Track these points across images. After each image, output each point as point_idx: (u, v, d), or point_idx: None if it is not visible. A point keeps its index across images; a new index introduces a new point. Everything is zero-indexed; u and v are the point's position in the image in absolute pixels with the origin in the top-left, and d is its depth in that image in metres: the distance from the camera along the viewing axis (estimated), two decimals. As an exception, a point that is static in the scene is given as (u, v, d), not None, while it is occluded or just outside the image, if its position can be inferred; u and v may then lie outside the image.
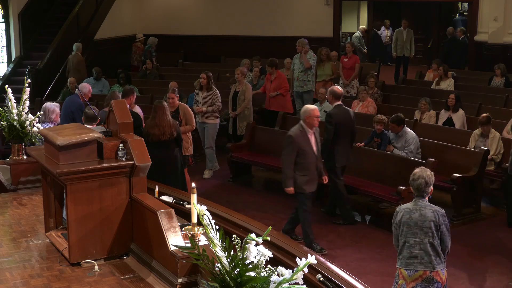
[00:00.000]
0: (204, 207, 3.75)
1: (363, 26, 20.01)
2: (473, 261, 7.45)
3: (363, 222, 9.11)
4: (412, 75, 15.74)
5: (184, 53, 17.66)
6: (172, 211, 5.11)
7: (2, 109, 7.72)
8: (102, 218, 5.43)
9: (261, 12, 17.71)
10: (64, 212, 5.81)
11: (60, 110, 8.44)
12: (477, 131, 9.51)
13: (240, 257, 3.52)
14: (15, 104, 7.71)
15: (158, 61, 16.35)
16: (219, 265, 3.61)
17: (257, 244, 3.54)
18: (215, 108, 10.22)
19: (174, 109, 8.98)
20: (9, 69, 15.04)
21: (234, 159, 10.47)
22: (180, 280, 4.72)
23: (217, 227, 3.73)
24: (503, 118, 10.28)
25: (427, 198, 5.39)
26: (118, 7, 17.60)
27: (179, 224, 5.06)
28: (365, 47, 18.43)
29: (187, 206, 6.10)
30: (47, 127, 7.47)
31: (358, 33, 18.69)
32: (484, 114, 9.51)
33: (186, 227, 4.73)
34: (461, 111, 10.62)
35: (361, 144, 9.35)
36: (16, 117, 7.61)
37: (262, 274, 3.49)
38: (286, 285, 3.44)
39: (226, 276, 3.56)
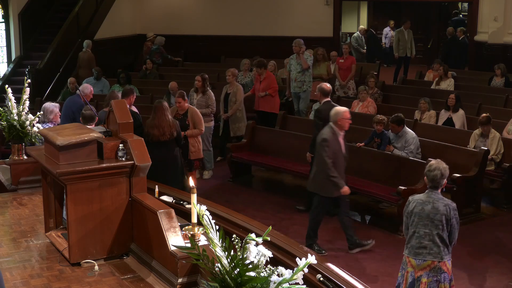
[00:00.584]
0: (204, 207, 3.75)
1: (362, 26, 20.00)
2: (473, 261, 7.45)
3: (363, 222, 9.12)
4: (412, 75, 15.74)
5: (184, 53, 17.67)
6: (172, 211, 5.11)
7: (2, 109, 7.72)
8: (102, 218, 5.43)
9: (261, 12, 17.71)
10: (64, 212, 5.81)
11: (60, 110, 8.43)
12: (477, 131, 9.51)
13: (240, 257, 3.52)
14: (15, 104, 7.70)
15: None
16: (219, 265, 3.61)
17: (257, 244, 3.54)
18: (208, 111, 10.19)
19: (183, 112, 8.95)
20: (9, 69, 15.05)
21: (234, 159, 10.47)
22: (180, 280, 4.72)
23: (217, 227, 3.73)
24: (503, 118, 10.28)
25: (439, 191, 5.49)
26: (118, 7, 17.60)
27: (179, 224, 5.06)
28: (365, 47, 18.41)
29: (187, 206, 6.10)
30: (47, 127, 7.47)
31: (357, 34, 18.68)
32: (484, 114, 9.51)
33: (186, 227, 4.73)
34: (461, 111, 10.62)
35: (361, 144, 9.36)
36: (16, 117, 7.61)
37: (262, 274, 3.49)
38: (286, 285, 3.44)
39: (226, 276, 3.56)
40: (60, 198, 5.93)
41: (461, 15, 21.48)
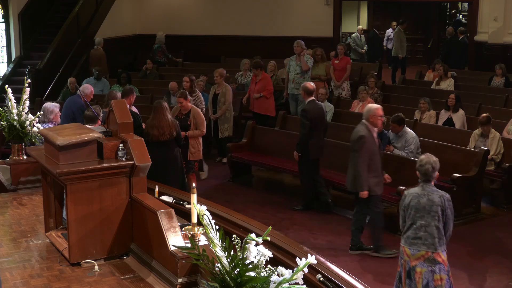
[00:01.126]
0: (204, 207, 3.75)
1: (360, 26, 19.99)
2: (473, 261, 7.45)
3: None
4: (412, 75, 15.75)
5: (184, 53, 17.67)
6: (172, 211, 5.11)
7: (2, 109, 7.72)
8: (102, 218, 5.43)
9: (261, 12, 17.71)
10: (64, 212, 5.81)
11: (61, 110, 8.43)
12: (477, 131, 9.51)
13: (240, 257, 3.52)
14: (15, 104, 7.70)
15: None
16: (219, 265, 3.62)
17: (257, 244, 3.54)
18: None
19: (186, 112, 8.90)
20: (9, 69, 15.04)
21: (234, 159, 10.47)
22: (180, 280, 4.72)
23: (217, 227, 3.73)
24: (503, 118, 10.28)
25: (433, 183, 5.68)
26: (118, 7, 17.60)
27: (179, 224, 5.06)
28: (364, 48, 18.40)
29: (187, 206, 6.10)
30: (47, 127, 7.47)
31: (355, 34, 18.67)
32: (484, 114, 9.51)
33: (186, 227, 4.73)
34: (461, 111, 10.62)
35: (361, 144, 9.34)
36: (16, 117, 7.61)
37: (262, 274, 3.49)
38: (286, 285, 3.44)
39: (226, 276, 3.56)
40: (60, 198, 5.93)
41: (460, 15, 21.49)
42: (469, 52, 16.06)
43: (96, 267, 5.28)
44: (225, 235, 3.67)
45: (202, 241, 4.60)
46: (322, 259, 4.79)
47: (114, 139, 5.60)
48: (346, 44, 19.26)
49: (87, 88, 9.34)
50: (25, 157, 7.60)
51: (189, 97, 9.04)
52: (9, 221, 6.44)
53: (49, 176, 5.85)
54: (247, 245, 3.51)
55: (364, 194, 7.39)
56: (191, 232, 4.62)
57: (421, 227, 5.58)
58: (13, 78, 14.42)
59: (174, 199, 6.38)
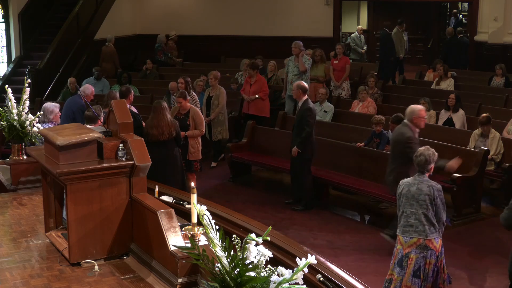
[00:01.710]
0: (204, 207, 3.75)
1: (360, 26, 19.99)
2: (473, 261, 7.45)
3: (363, 222, 9.12)
4: (412, 75, 15.75)
5: (184, 53, 17.67)
6: (172, 211, 5.11)
7: (2, 109, 7.72)
8: (102, 218, 5.43)
9: (261, 12, 17.71)
10: (64, 212, 5.81)
11: (61, 110, 8.43)
12: (477, 131, 9.51)
13: (240, 257, 3.52)
14: (15, 104, 7.70)
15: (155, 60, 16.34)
16: (219, 265, 3.61)
17: (257, 244, 3.54)
18: None
19: (185, 112, 8.89)
20: (9, 69, 15.05)
21: (234, 159, 10.47)
22: (180, 280, 4.72)
23: (217, 227, 3.73)
24: (503, 118, 10.28)
25: (427, 175, 5.90)
26: (118, 7, 17.60)
27: (179, 224, 5.06)
28: (363, 47, 18.38)
29: (187, 206, 6.10)
30: (47, 127, 7.47)
31: (355, 34, 18.66)
32: (484, 114, 9.51)
33: (186, 227, 4.73)
34: (461, 111, 10.63)
35: (361, 144, 9.36)
36: (16, 117, 7.60)
37: (262, 274, 3.49)
38: (286, 285, 3.44)
39: (226, 276, 3.56)
40: (60, 198, 5.93)
41: (460, 15, 21.48)
42: (469, 52, 16.06)
43: (96, 267, 5.28)
44: (225, 235, 3.67)
45: (202, 241, 4.59)
46: (322, 259, 4.79)
47: (114, 139, 5.60)
48: (346, 44, 19.28)
49: (88, 88, 9.33)
50: (25, 157, 7.60)
51: (188, 97, 9.04)
52: (9, 221, 6.44)
53: (49, 176, 5.85)
54: (247, 245, 3.51)
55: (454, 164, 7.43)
56: (191, 232, 4.62)
57: (411, 214, 5.83)
58: (13, 78, 14.43)
59: (174, 199, 6.38)
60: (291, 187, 9.45)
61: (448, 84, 12.82)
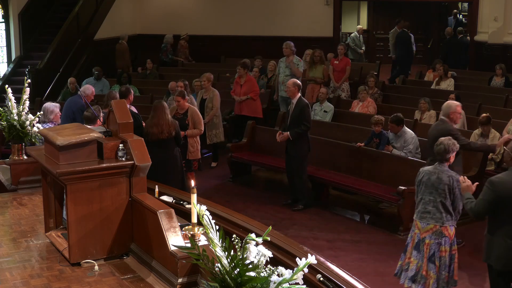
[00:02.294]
0: (204, 207, 3.75)
1: (360, 26, 19.98)
2: (473, 261, 7.44)
3: (363, 222, 9.12)
4: (412, 75, 15.74)
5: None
6: (172, 211, 5.11)
7: (2, 109, 7.72)
8: (102, 218, 5.43)
9: (261, 12, 17.70)
10: (64, 212, 5.81)
11: (61, 110, 8.43)
12: (477, 131, 9.50)
13: (240, 257, 3.52)
14: (15, 104, 7.70)
15: (157, 60, 16.34)
16: (219, 265, 3.61)
17: (257, 244, 3.54)
18: None
19: (183, 112, 8.86)
20: (9, 69, 15.05)
21: (234, 159, 10.47)
22: (180, 280, 4.72)
23: (217, 227, 3.73)
24: (503, 118, 10.27)
25: (447, 164, 6.12)
26: (118, 7, 17.60)
27: (179, 224, 5.06)
28: (362, 48, 18.37)
29: (187, 206, 6.10)
30: (47, 127, 7.47)
31: (354, 34, 18.65)
32: (484, 114, 9.51)
33: (186, 227, 4.73)
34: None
35: (361, 144, 9.36)
36: (16, 117, 7.60)
37: (262, 274, 3.49)
38: (286, 285, 3.44)
39: (226, 276, 3.56)
40: (60, 198, 5.93)
41: (460, 16, 21.49)
42: (469, 52, 16.06)
43: (96, 267, 5.28)
44: (225, 235, 3.67)
45: (202, 241, 4.59)
46: (322, 259, 4.79)
47: (114, 139, 5.60)
48: (346, 44, 19.27)
49: (88, 88, 9.32)
50: (25, 157, 7.60)
51: (186, 97, 9.03)
52: (9, 221, 6.44)
53: (49, 176, 5.85)
54: (247, 245, 3.51)
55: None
56: (191, 232, 4.62)
57: (429, 202, 6.07)
58: (13, 78, 14.43)
59: (174, 199, 6.38)
60: (289, 187, 9.44)
61: (448, 84, 12.82)
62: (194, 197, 4.37)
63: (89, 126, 6.31)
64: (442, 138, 6.19)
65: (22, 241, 5.89)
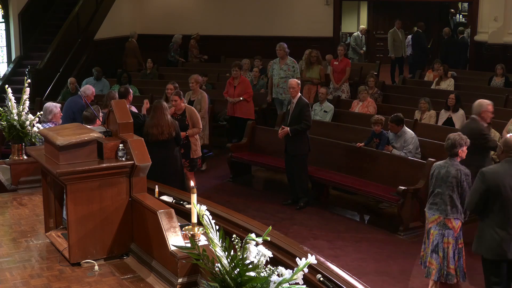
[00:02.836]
0: (204, 207, 3.75)
1: (363, 26, 20.00)
2: (473, 261, 7.41)
3: (363, 222, 9.12)
4: (407, 74, 15.74)
5: (185, 53, 17.67)
6: (172, 211, 5.11)
7: (2, 109, 7.72)
8: (102, 218, 5.43)
9: (261, 12, 17.71)
10: (64, 212, 5.81)
11: (61, 110, 8.42)
12: (477, 131, 9.49)
13: (240, 257, 3.52)
14: (15, 104, 7.71)
15: (157, 60, 16.35)
16: (219, 265, 3.61)
17: (257, 244, 3.54)
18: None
19: (181, 112, 8.81)
20: (9, 69, 15.04)
21: (234, 159, 10.47)
22: (180, 280, 4.72)
23: (217, 227, 3.73)
24: (503, 118, 10.26)
25: (458, 159, 6.32)
26: (118, 7, 17.60)
27: (179, 224, 5.06)
28: (363, 48, 18.38)
29: (187, 206, 6.10)
30: (47, 127, 7.47)
31: (357, 33, 18.66)
32: (484, 114, 9.50)
33: (186, 227, 4.73)
34: (461, 111, 10.62)
35: (361, 144, 9.36)
36: (16, 117, 7.61)
37: (262, 274, 3.49)
38: (286, 285, 3.44)
39: (226, 276, 3.56)
40: (60, 198, 5.93)
41: (460, 15, 21.50)
42: (469, 52, 16.05)
43: (96, 267, 5.28)
44: (225, 235, 3.67)
45: (202, 241, 4.59)
46: (322, 259, 4.79)
47: (114, 139, 5.60)
48: (346, 44, 19.27)
49: (89, 89, 9.32)
50: (25, 157, 7.60)
51: (183, 97, 8.99)
52: (9, 221, 6.44)
53: (49, 176, 5.85)
54: (247, 245, 3.51)
55: None
56: (191, 232, 4.62)
57: (438, 194, 6.32)
58: (13, 78, 14.43)
59: (174, 199, 6.38)
60: (289, 187, 9.44)
61: (448, 84, 12.83)
62: (194, 197, 4.37)
63: (88, 126, 6.32)
64: (451, 135, 6.39)
65: (22, 241, 5.89)
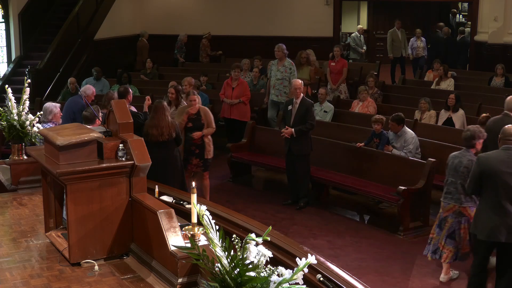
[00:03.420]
0: (204, 207, 3.75)
1: (360, 26, 20.02)
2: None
3: (363, 222, 9.12)
4: (412, 75, 15.73)
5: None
6: (172, 211, 5.11)
7: (2, 109, 7.72)
8: (102, 218, 5.43)
9: (261, 12, 17.71)
10: (64, 212, 5.81)
11: (61, 110, 8.42)
12: (477, 131, 9.49)
13: (240, 257, 3.52)
14: (15, 104, 7.70)
15: (157, 60, 16.36)
16: (219, 265, 3.61)
17: (257, 244, 3.54)
18: None
19: (195, 112, 8.61)
20: (9, 69, 15.04)
21: (234, 159, 10.47)
22: (180, 280, 4.72)
23: (217, 227, 3.73)
24: (503, 118, 10.26)
25: (473, 151, 6.50)
26: (118, 7, 17.60)
27: (179, 224, 5.06)
28: (363, 47, 18.39)
29: (187, 206, 6.10)
30: (47, 127, 7.47)
31: (355, 33, 18.67)
32: (484, 114, 9.51)
33: (186, 227, 4.73)
34: (461, 111, 10.62)
35: (361, 144, 9.36)
36: (16, 117, 7.60)
37: (262, 274, 3.49)
38: (286, 285, 3.44)
39: (226, 276, 3.56)
40: (60, 198, 5.93)
41: (460, 15, 21.51)
42: (469, 52, 16.04)
43: (96, 267, 5.28)
44: (225, 235, 3.67)
45: (202, 241, 4.59)
46: (322, 259, 4.79)
47: (114, 139, 5.60)
48: (346, 44, 19.28)
49: (89, 88, 9.30)
50: (25, 157, 7.60)
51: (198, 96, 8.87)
52: (9, 221, 6.44)
53: (49, 176, 5.85)
54: (247, 245, 3.51)
55: None
56: (191, 232, 4.62)
57: (451, 183, 6.57)
58: (13, 78, 14.42)
59: (174, 199, 6.38)
60: (289, 187, 9.44)
61: (448, 84, 12.83)
62: (194, 197, 4.37)
63: (88, 126, 6.32)
64: (471, 126, 6.59)
65: (22, 241, 5.89)
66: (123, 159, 5.44)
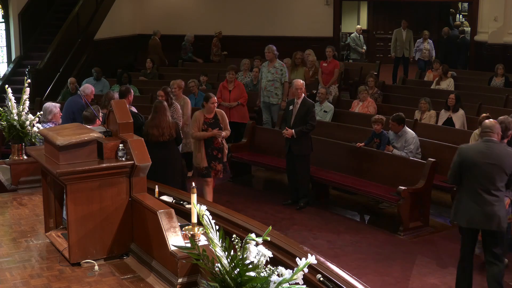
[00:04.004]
0: (204, 207, 3.75)
1: (359, 26, 20.03)
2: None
3: (363, 222, 9.12)
4: (412, 75, 15.74)
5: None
6: (172, 211, 5.11)
7: (2, 109, 7.72)
8: (102, 218, 5.43)
9: (261, 12, 17.72)
10: (64, 212, 5.81)
11: (61, 110, 8.42)
12: (477, 131, 9.47)
13: (240, 257, 3.52)
14: (15, 104, 7.71)
15: (157, 60, 16.38)
16: (219, 265, 3.62)
17: (257, 244, 3.54)
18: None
19: (212, 116, 8.36)
20: (9, 69, 15.05)
21: (234, 159, 10.47)
22: (180, 280, 4.72)
23: (217, 227, 3.73)
24: (503, 118, 10.26)
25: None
26: (118, 7, 17.61)
27: (179, 224, 5.06)
28: (363, 47, 18.39)
29: (187, 206, 6.10)
30: (47, 127, 7.47)
31: (354, 34, 18.68)
32: (484, 114, 9.49)
33: (186, 227, 4.73)
34: (461, 111, 10.63)
35: (361, 144, 9.36)
36: (16, 117, 7.61)
37: (262, 274, 3.49)
38: (286, 285, 3.44)
39: (226, 276, 3.56)
40: (60, 198, 5.93)
41: (460, 15, 21.51)
42: (469, 52, 16.04)
43: (96, 267, 5.29)
44: (225, 235, 3.67)
45: (202, 241, 4.60)
46: (322, 259, 4.79)
47: (114, 139, 5.60)
48: (346, 44, 19.29)
49: (88, 87, 9.31)
50: (25, 157, 7.60)
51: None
52: (9, 221, 6.44)
53: (49, 176, 5.85)
54: (247, 245, 3.51)
55: None
56: (191, 232, 4.62)
57: None
58: (13, 78, 14.43)
59: (174, 199, 6.38)
60: (289, 188, 9.45)
61: (448, 84, 12.83)
62: (194, 197, 4.37)
63: (88, 126, 6.32)
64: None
65: (22, 241, 5.89)
66: (123, 159, 5.45)
